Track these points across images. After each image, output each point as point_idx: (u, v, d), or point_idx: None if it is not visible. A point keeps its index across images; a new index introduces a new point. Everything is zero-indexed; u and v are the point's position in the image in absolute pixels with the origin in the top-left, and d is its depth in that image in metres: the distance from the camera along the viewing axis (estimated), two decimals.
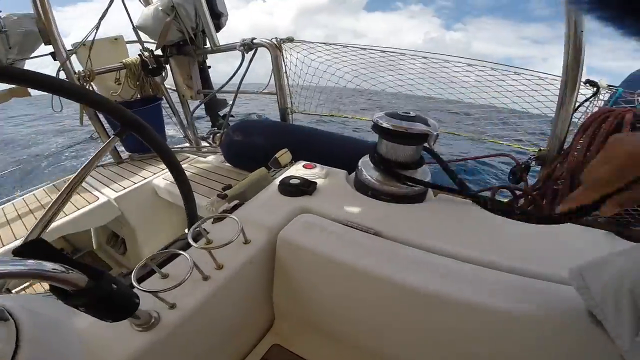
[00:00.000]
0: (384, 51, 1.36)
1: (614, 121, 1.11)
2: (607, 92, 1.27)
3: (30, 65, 2.00)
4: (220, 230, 0.75)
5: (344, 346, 0.75)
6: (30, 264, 0.35)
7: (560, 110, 1.16)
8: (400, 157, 0.84)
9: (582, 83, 1.20)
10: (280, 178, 0.95)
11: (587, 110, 1.29)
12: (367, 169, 0.89)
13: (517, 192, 1.15)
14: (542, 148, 1.25)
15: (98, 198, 1.69)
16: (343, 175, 0.98)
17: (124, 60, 2.14)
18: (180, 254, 0.59)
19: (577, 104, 1.21)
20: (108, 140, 0.82)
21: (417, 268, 0.62)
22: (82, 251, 2.22)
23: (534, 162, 1.22)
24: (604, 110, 1.17)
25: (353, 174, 0.95)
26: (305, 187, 0.88)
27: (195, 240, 0.62)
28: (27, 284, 1.72)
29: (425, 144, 0.83)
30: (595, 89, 1.21)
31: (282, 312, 0.83)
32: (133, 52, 2.29)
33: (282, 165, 1.08)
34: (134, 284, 0.50)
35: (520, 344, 0.53)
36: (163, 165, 0.85)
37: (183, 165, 2.00)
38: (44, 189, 1.92)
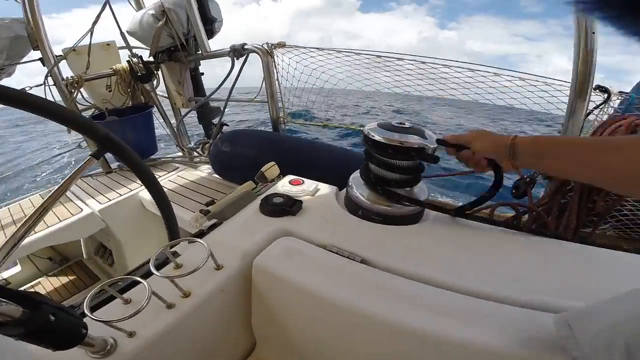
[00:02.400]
0: (379, 56, 1.29)
1: (627, 132, 1.03)
2: (617, 99, 1.18)
3: (21, 69, 1.96)
4: (193, 252, 0.68)
5: None
6: None
7: (570, 119, 1.07)
8: (394, 174, 0.76)
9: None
10: (264, 195, 0.87)
11: (597, 118, 1.21)
12: (358, 186, 0.81)
13: (521, 209, 1.06)
14: None
15: (82, 210, 1.64)
16: (333, 192, 0.89)
17: (114, 67, 2.09)
18: (139, 282, 0.53)
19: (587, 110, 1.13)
20: (84, 162, 0.77)
21: (404, 303, 0.54)
22: (71, 260, 2.18)
23: (540, 176, 1.13)
24: (615, 119, 1.08)
25: (344, 190, 0.87)
26: (289, 207, 0.80)
27: (158, 269, 0.56)
28: None
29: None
30: (606, 95, 1.12)
31: (262, 336, 0.76)
32: (125, 57, 2.26)
33: (269, 179, 1.00)
34: (86, 312, 0.46)
35: None
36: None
37: (172, 177, 1.96)
38: (29, 199, 1.88)
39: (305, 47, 1.47)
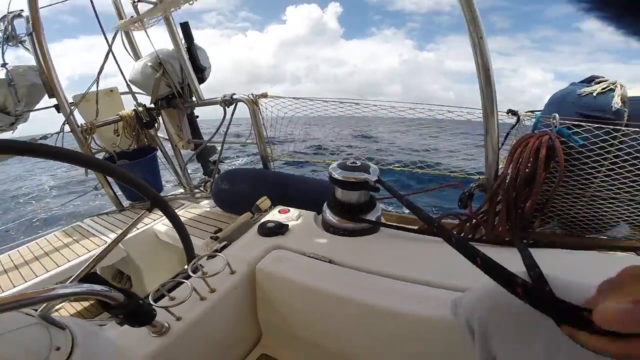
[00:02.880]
0: (341, 101, 1.62)
1: (533, 146, 1.34)
2: (529, 119, 1.50)
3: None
4: (213, 264, 0.95)
5: (321, 353, 0.94)
6: (87, 286, 0.56)
7: (487, 139, 1.38)
8: (351, 199, 1.06)
9: (505, 113, 1.44)
10: (260, 222, 1.17)
11: (518, 137, 1.53)
12: (328, 211, 1.11)
13: (463, 218, 1.35)
14: (480, 177, 1.47)
15: (106, 242, 1.91)
16: (312, 216, 1.19)
17: (120, 113, 2.35)
18: (183, 282, 0.82)
19: (506, 133, 1.45)
20: (140, 215, 1.06)
21: (362, 288, 0.82)
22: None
23: (476, 190, 1.43)
24: (525, 137, 1.40)
25: (321, 214, 1.17)
26: (278, 229, 1.09)
27: (194, 272, 0.84)
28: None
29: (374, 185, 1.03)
30: (516, 117, 1.44)
31: (267, 327, 1.03)
32: (126, 102, 2.52)
33: (262, 210, 1.29)
34: (151, 302, 0.71)
35: (439, 343, 0.72)
36: (160, 213, 1.08)
37: (181, 211, 2.25)
38: (54, 234, 2.14)
39: (283, 97, 1.80)
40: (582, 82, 1.52)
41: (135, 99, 2.42)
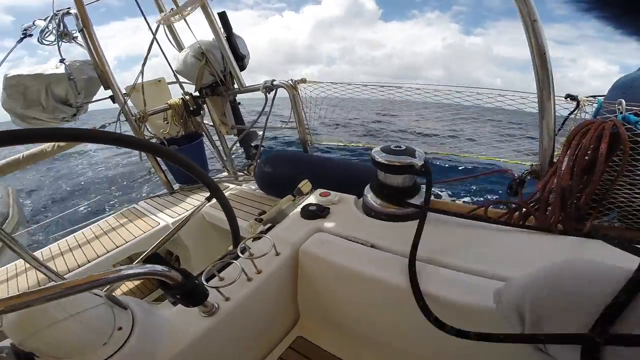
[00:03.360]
0: (382, 85, 1.58)
1: (594, 133, 1.24)
2: (590, 104, 1.39)
3: None
4: (259, 246, 0.98)
5: (357, 338, 0.95)
6: (149, 267, 0.60)
7: (542, 124, 1.29)
8: (394, 183, 1.05)
9: (562, 98, 1.34)
10: (302, 205, 1.19)
11: (575, 123, 1.42)
12: (370, 195, 1.10)
13: (513, 205, 1.29)
14: (533, 163, 1.39)
15: (159, 223, 2.05)
16: (352, 200, 1.19)
17: (168, 102, 2.50)
18: (232, 263, 0.86)
19: (563, 118, 1.35)
20: (201, 204, 1.12)
21: (402, 273, 0.81)
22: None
23: (528, 177, 1.36)
24: (585, 123, 1.29)
25: (361, 198, 1.17)
26: (320, 212, 1.11)
27: (242, 253, 0.87)
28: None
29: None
30: (575, 103, 1.34)
31: (305, 310, 1.06)
32: (173, 91, 2.67)
33: (304, 193, 1.31)
34: (203, 282, 0.74)
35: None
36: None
37: (227, 194, 2.33)
38: (113, 216, 2.32)
39: (322, 82, 1.80)
40: None
41: (182, 88, 2.54)
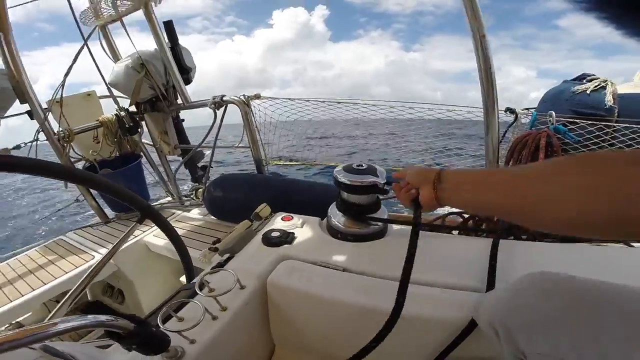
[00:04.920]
0: (339, 102, 1.58)
1: (533, 145, 1.35)
2: (525, 117, 1.52)
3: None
4: (219, 279, 0.88)
5: None
6: (91, 318, 0.49)
7: (487, 138, 1.38)
8: (359, 202, 1.03)
9: (503, 112, 1.45)
10: (263, 231, 1.11)
11: (516, 133, 1.54)
12: (335, 215, 1.07)
13: (465, 216, 1.35)
14: None
15: (94, 257, 1.81)
16: (316, 222, 1.15)
17: (100, 118, 2.21)
18: (190, 301, 0.77)
19: (504, 130, 1.45)
20: (130, 227, 0.99)
21: (378, 295, 0.79)
22: (77, 303, 2.28)
23: None
24: (524, 135, 1.41)
25: (325, 219, 1.13)
26: (285, 238, 1.05)
27: (201, 289, 0.78)
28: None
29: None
30: (514, 115, 1.45)
31: (280, 340, 0.99)
32: (106, 105, 2.38)
33: (263, 218, 1.24)
34: (160, 326, 0.65)
35: (462, 346, 0.70)
36: (151, 223, 1.01)
37: (172, 221, 2.15)
38: (36, 250, 2.01)
39: (277, 98, 1.75)
40: (574, 79, 1.55)
41: (116, 102, 2.29)
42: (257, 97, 1.80)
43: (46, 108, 1.97)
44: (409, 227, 0.82)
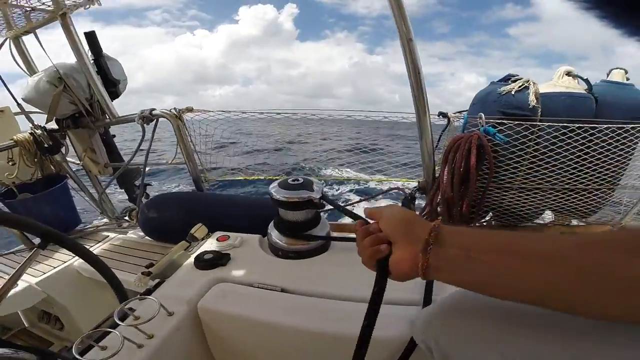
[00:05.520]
0: (278, 113, 1.54)
1: (465, 148, 1.40)
2: (458, 120, 1.58)
3: None
4: (146, 307, 0.82)
5: None
6: None
7: (422, 143, 1.41)
8: (297, 219, 0.99)
9: (436, 116, 1.49)
10: (196, 253, 1.03)
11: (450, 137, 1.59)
12: (275, 233, 1.02)
13: None
14: (420, 180, 1.50)
15: (17, 284, 1.59)
16: (256, 240, 1.09)
17: (14, 137, 1.95)
18: (111, 332, 0.70)
19: (439, 135, 1.50)
20: (31, 253, 0.87)
21: (318, 316, 0.76)
22: (13, 330, 2.01)
23: (417, 192, 1.46)
24: (456, 138, 1.46)
25: (266, 237, 1.07)
26: (218, 260, 0.98)
27: (122, 320, 0.71)
28: None
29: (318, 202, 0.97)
30: (446, 120, 1.50)
31: None
32: (23, 122, 2.11)
33: (199, 239, 1.15)
34: (76, 356, 0.59)
35: None
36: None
37: (106, 245, 1.96)
38: None
39: (211, 111, 1.66)
40: (500, 80, 1.62)
41: (29, 119, 2.04)
42: (190, 110, 1.69)
43: None
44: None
